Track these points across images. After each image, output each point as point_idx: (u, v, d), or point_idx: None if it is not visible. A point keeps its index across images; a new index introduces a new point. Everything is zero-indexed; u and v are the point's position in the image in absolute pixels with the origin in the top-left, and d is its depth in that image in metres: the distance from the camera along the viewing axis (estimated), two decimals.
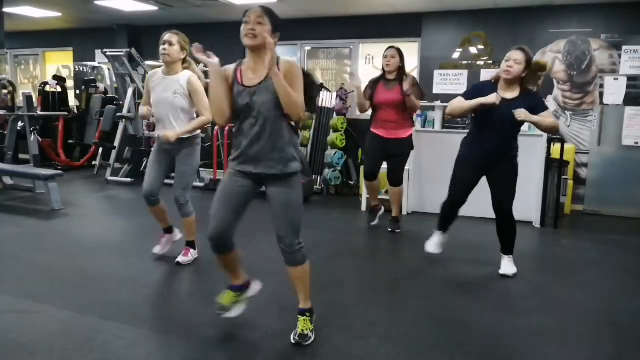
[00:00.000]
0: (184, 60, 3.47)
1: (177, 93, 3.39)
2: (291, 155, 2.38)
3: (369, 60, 7.25)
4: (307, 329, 2.50)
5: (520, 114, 3.22)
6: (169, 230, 3.82)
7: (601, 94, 5.85)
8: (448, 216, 3.81)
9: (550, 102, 6.10)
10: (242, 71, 2.41)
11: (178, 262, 3.65)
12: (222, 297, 2.63)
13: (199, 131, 3.58)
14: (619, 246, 4.57)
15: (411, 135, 4.60)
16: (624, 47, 5.72)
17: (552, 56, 6.08)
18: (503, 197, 3.50)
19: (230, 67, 2.45)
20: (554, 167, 5.16)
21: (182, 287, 3.39)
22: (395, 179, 4.69)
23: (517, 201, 5.03)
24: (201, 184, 6.73)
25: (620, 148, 5.66)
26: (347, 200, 6.25)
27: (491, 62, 6.31)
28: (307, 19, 7.24)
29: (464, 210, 5.34)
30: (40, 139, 7.49)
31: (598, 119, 5.76)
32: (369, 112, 4.66)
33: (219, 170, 7.04)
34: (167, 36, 3.39)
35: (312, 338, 2.50)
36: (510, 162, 3.47)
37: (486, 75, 6.23)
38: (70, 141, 8.41)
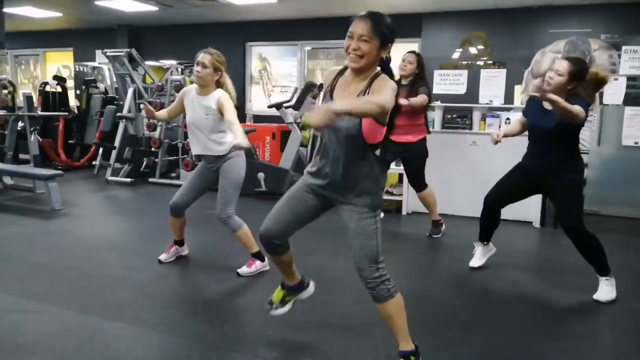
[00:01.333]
0: (219, 79, 3.38)
1: (208, 115, 3.32)
2: (365, 189, 2.11)
3: None
4: None
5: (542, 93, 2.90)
6: (180, 243, 3.78)
7: (601, 94, 5.84)
8: (484, 221, 3.68)
9: None
10: (339, 81, 2.14)
11: (238, 273, 3.49)
12: (274, 293, 2.54)
13: None
14: (619, 246, 4.56)
15: (422, 139, 4.55)
16: (623, 47, 5.71)
17: (552, 56, 6.07)
18: (563, 214, 3.30)
19: (335, 70, 2.19)
20: None
21: (182, 287, 3.39)
22: (417, 184, 4.63)
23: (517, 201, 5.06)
24: None
25: (620, 148, 5.66)
26: None
27: (491, 62, 6.31)
28: (307, 19, 7.25)
29: (464, 210, 5.36)
30: (40, 139, 7.50)
31: (598, 119, 5.76)
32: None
33: None
34: (200, 56, 3.30)
35: None
36: (565, 177, 3.23)
37: (486, 75, 6.21)
38: (70, 141, 8.42)
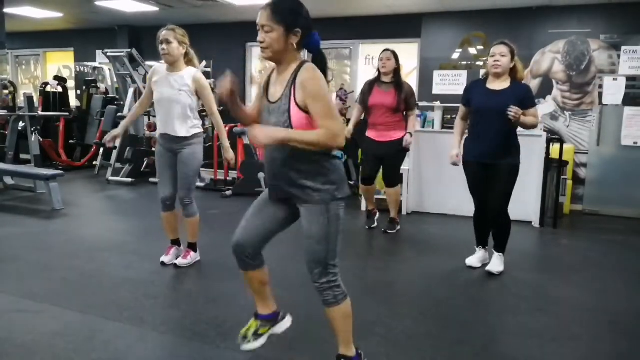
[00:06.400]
0: (186, 54, 3.42)
1: (182, 90, 3.33)
2: (309, 184, 1.97)
3: (368, 60, 7.25)
4: None
5: (515, 113, 3.23)
6: (177, 243, 3.75)
7: (600, 94, 5.85)
8: (478, 227, 3.79)
9: (549, 102, 6.12)
10: (272, 77, 2.05)
11: (176, 265, 3.60)
12: (247, 326, 2.28)
13: (200, 129, 3.52)
14: (618, 246, 4.57)
15: (404, 137, 4.58)
16: (623, 48, 5.73)
17: (552, 56, 6.08)
18: (495, 196, 3.50)
19: (270, 68, 2.10)
20: (553, 167, 5.16)
21: (182, 287, 3.39)
22: (390, 180, 4.71)
23: (517, 201, 5.03)
24: (201, 184, 6.74)
25: (619, 148, 5.66)
26: (347, 200, 6.24)
27: None
28: None
29: (464, 210, 5.36)
30: (41, 139, 7.51)
31: (597, 119, 5.76)
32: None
33: (219, 170, 7.05)
34: (163, 34, 3.32)
35: None
36: (506, 160, 3.45)
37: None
38: (71, 141, 8.42)
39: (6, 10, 6.54)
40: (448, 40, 6.52)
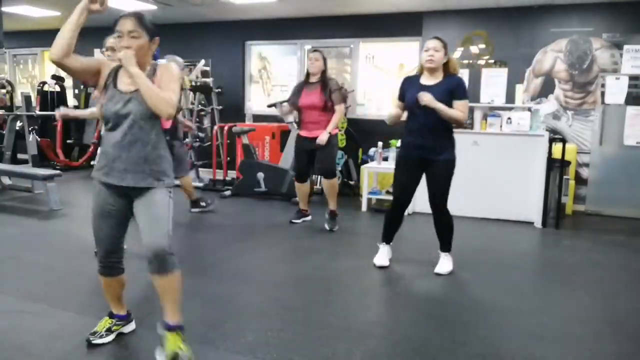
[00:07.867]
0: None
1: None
2: (163, 171, 2.24)
3: (369, 59, 7.22)
4: (178, 348, 2.21)
5: (423, 98, 3.27)
6: None
7: (603, 94, 5.82)
8: (389, 222, 3.79)
9: (552, 101, 6.08)
10: (120, 74, 2.25)
11: None
12: (100, 323, 2.48)
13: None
14: (620, 247, 4.55)
15: (334, 134, 4.68)
16: (625, 47, 5.69)
17: (554, 55, 6.05)
18: (433, 193, 3.52)
19: (110, 63, 2.33)
20: (555, 167, 5.13)
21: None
22: (325, 171, 4.73)
23: (519, 201, 5.03)
24: (200, 184, 6.70)
25: (622, 148, 5.63)
26: (347, 200, 6.21)
27: (492, 61, 6.29)
28: (307, 18, 7.22)
29: (464, 210, 5.33)
30: (38, 139, 7.46)
31: (599, 119, 5.73)
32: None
33: (218, 170, 7.01)
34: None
35: (190, 357, 2.22)
36: (443, 156, 3.44)
37: (487, 74, 6.20)
38: (68, 141, 8.39)
39: (4, 8, 6.50)
40: (449, 39, 6.37)
